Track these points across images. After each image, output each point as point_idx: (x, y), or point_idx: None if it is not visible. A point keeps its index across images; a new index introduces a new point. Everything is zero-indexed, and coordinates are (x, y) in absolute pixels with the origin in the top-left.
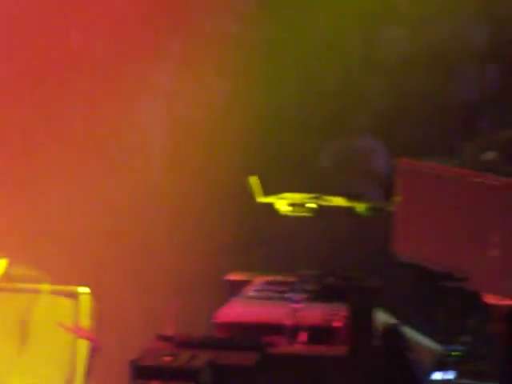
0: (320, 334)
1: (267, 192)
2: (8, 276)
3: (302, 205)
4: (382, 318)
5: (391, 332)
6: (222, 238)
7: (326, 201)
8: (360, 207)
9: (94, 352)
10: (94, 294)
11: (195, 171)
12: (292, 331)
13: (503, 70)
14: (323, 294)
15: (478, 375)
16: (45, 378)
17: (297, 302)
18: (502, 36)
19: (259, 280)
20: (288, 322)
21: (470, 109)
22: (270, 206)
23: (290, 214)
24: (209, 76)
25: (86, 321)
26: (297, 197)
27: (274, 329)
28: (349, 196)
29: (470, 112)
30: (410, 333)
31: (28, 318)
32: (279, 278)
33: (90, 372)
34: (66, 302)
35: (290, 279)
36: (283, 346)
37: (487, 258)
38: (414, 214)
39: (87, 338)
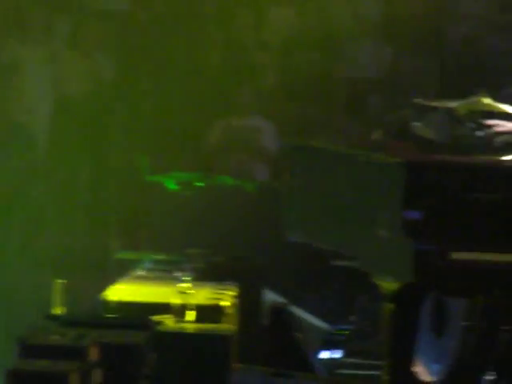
0: (208, 312)
1: (155, 171)
2: None
3: (189, 183)
4: (270, 297)
5: (279, 311)
6: (109, 216)
7: (214, 180)
8: (248, 186)
9: None
10: None
11: (82, 150)
12: (180, 310)
13: (394, 49)
14: (211, 273)
15: (365, 354)
16: None
17: (185, 280)
18: (394, 15)
19: (148, 259)
20: (176, 300)
21: (358, 88)
22: (159, 184)
23: (178, 192)
24: (96, 55)
25: None
26: (185, 176)
27: (162, 308)
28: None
29: (359, 91)
30: (297, 312)
31: None
32: (168, 256)
33: None
34: None
35: (179, 258)
36: (171, 325)
37: (374, 238)
38: (303, 193)
39: None
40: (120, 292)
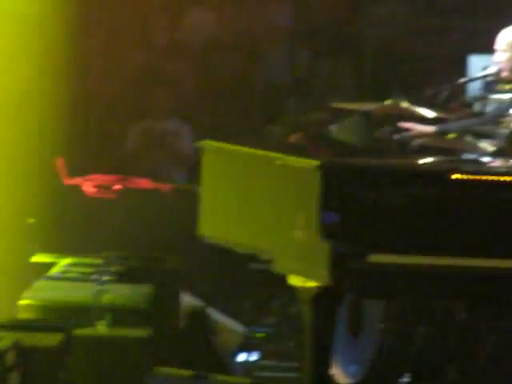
0: (125, 315)
1: (73, 173)
2: None
3: (108, 186)
4: (187, 299)
5: (196, 314)
6: (27, 219)
7: (132, 182)
8: (166, 188)
9: None
10: None
11: None
12: (97, 312)
13: (311, 53)
14: (128, 276)
15: (283, 356)
16: None
17: (102, 283)
18: (311, 18)
19: (65, 262)
20: (93, 303)
21: (276, 92)
22: (76, 187)
23: (96, 195)
24: (12, 57)
25: None
26: (103, 178)
27: (80, 310)
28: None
29: (276, 95)
30: (214, 314)
31: None
32: (85, 259)
33: None
34: None
35: (96, 261)
36: (88, 328)
37: (291, 240)
38: (220, 196)
39: None
40: (36, 294)
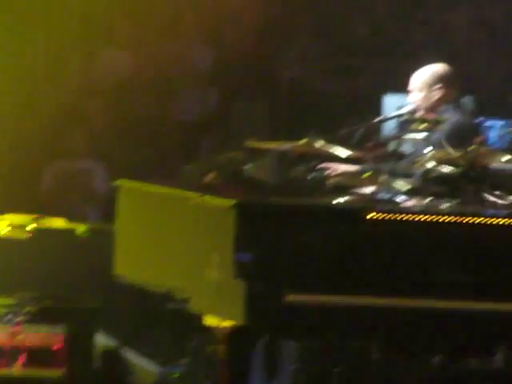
0: (39, 356)
1: None
2: None
3: (22, 226)
4: (101, 340)
5: (111, 354)
6: None
7: (47, 222)
8: (80, 229)
9: None
10: None
11: None
12: (11, 353)
13: (225, 93)
14: (42, 316)
15: None
16: None
17: (16, 324)
18: (226, 59)
19: None
20: (7, 344)
21: (191, 131)
22: None
23: (9, 235)
24: None
25: None
26: (17, 218)
27: None
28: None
29: (191, 134)
30: (130, 355)
31: None
32: None
33: None
34: None
35: (9, 301)
36: (2, 369)
37: (207, 280)
38: (135, 236)
39: None
40: None
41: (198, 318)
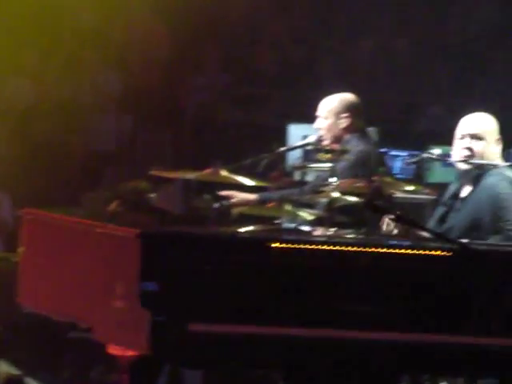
0: None
1: None
2: None
3: None
4: (3, 368)
5: (13, 382)
6: None
7: None
8: None
9: None
10: None
11: None
12: None
13: (130, 121)
14: None
15: None
16: None
17: None
18: (132, 88)
19: None
20: None
21: (96, 159)
22: None
23: None
24: None
25: None
26: None
27: None
28: None
29: (97, 162)
30: (32, 383)
31: None
32: None
33: None
34: None
35: None
36: None
37: (110, 309)
38: (39, 265)
39: None
40: None
41: (101, 347)
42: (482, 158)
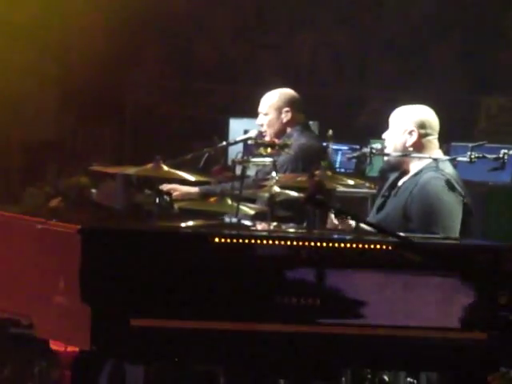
0: None
1: None
2: None
3: None
4: None
5: None
6: None
7: None
8: None
9: None
10: None
11: None
12: None
13: (71, 117)
14: None
15: None
16: None
17: None
18: (73, 82)
19: None
20: None
21: (35, 154)
22: None
23: None
24: None
25: None
26: None
27: None
28: None
29: (36, 158)
30: None
31: None
32: None
33: None
34: None
35: None
36: None
37: (52, 305)
38: None
39: None
40: None
41: (43, 343)
42: (418, 150)
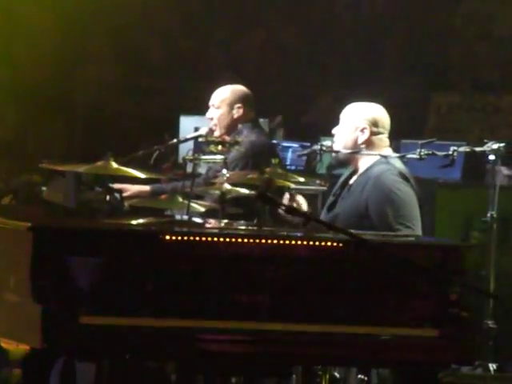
0: None
1: None
2: None
3: None
4: None
5: None
6: None
7: None
8: None
9: None
10: None
11: None
12: None
13: (22, 115)
14: None
15: None
16: None
17: None
18: (21, 79)
19: None
20: None
21: None
22: None
23: None
24: None
25: None
26: None
27: None
28: None
29: None
30: None
31: None
32: None
33: None
34: None
35: None
36: None
37: (2, 303)
38: None
39: None
40: None
41: None
42: (369, 147)
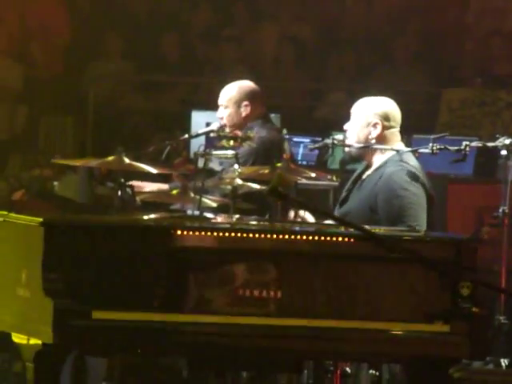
0: None
1: None
2: None
3: None
4: None
5: None
6: None
7: None
8: None
9: None
10: None
11: None
12: None
13: (33, 110)
14: None
15: None
16: None
17: None
18: (34, 77)
19: None
20: None
21: None
22: None
23: None
24: None
25: None
26: None
27: None
28: None
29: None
30: None
31: None
32: None
33: None
34: None
35: None
36: None
37: (15, 297)
38: None
39: None
40: None
41: (5, 336)
42: (381, 142)
